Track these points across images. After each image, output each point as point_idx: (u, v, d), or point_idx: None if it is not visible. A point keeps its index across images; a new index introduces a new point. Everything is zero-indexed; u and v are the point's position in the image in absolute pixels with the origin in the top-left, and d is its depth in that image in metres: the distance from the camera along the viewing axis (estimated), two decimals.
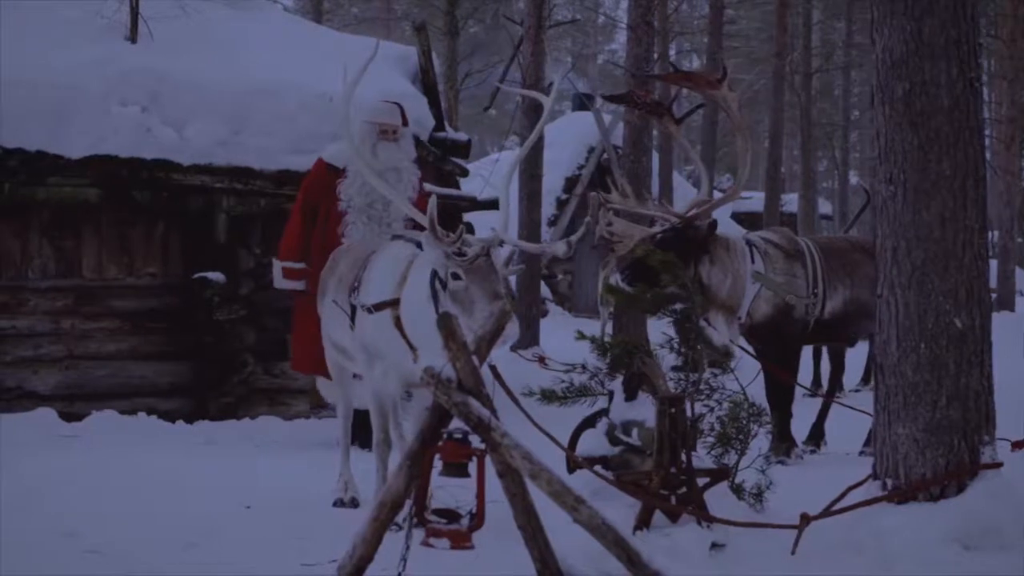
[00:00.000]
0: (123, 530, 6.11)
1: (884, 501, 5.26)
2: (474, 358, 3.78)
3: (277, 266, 8.75)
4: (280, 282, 8.78)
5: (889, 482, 5.31)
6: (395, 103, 8.51)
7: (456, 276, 5.31)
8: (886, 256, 5.35)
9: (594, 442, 5.88)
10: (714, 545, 5.25)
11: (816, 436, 8.91)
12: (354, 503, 6.70)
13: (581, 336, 6.27)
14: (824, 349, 10.85)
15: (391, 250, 6.15)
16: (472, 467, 3.96)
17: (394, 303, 5.67)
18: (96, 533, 6.00)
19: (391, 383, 6.04)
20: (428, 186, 10.89)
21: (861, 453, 8.68)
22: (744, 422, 5.86)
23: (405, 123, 8.53)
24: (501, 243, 5.44)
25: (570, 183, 22.88)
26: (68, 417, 9.53)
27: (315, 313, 7.77)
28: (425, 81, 11.43)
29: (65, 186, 9.80)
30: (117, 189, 9.92)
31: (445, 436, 3.93)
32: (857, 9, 28.84)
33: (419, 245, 5.59)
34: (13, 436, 8.78)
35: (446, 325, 3.79)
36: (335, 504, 6.73)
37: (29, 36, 10.16)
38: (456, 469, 3.94)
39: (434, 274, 5.41)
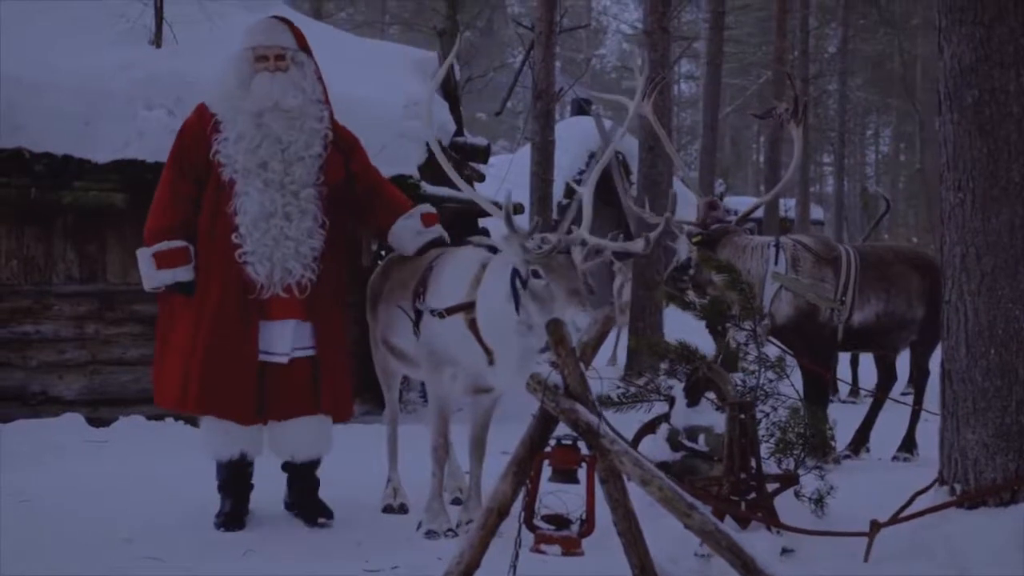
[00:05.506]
0: (177, 536, 6.11)
1: (953, 506, 5.27)
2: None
3: (145, 256, 6.37)
4: (154, 278, 6.35)
5: (958, 487, 5.32)
6: (282, 19, 6.38)
7: (536, 274, 5.24)
8: (954, 262, 5.35)
9: (655, 448, 5.89)
10: (784, 550, 5.26)
11: (859, 441, 8.91)
12: (403, 509, 6.68)
13: (638, 344, 6.27)
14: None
15: (460, 254, 6.08)
16: (581, 473, 3.95)
17: (468, 306, 5.62)
18: (151, 539, 6.00)
19: (459, 387, 6.02)
20: (451, 191, 10.91)
21: (894, 459, 8.72)
22: (804, 428, 5.86)
23: (305, 48, 6.27)
24: (583, 242, 5.37)
25: (570, 188, 22.82)
26: (94, 422, 9.49)
27: (200, 325, 6.33)
28: (445, 86, 11.44)
29: (91, 190, 9.77)
30: (143, 193, 9.84)
31: (554, 442, 3.92)
32: (853, 15, 28.93)
33: (492, 250, 5.53)
34: (43, 441, 8.75)
35: (555, 331, 3.77)
36: (384, 510, 6.70)
37: (54, 41, 10.14)
38: (565, 475, 3.93)
39: (515, 273, 5.32)
